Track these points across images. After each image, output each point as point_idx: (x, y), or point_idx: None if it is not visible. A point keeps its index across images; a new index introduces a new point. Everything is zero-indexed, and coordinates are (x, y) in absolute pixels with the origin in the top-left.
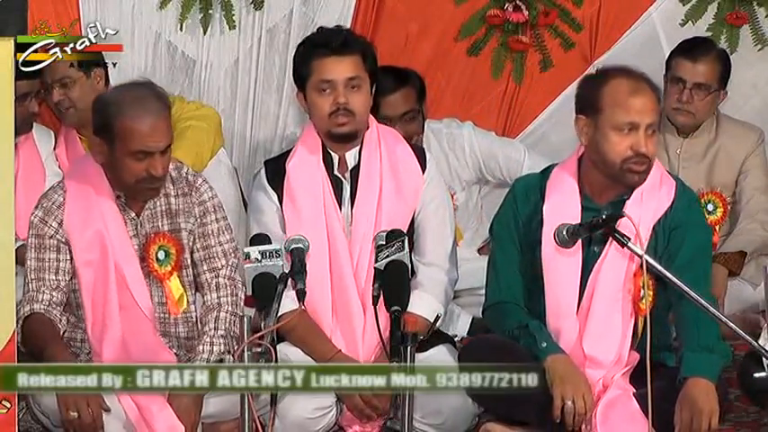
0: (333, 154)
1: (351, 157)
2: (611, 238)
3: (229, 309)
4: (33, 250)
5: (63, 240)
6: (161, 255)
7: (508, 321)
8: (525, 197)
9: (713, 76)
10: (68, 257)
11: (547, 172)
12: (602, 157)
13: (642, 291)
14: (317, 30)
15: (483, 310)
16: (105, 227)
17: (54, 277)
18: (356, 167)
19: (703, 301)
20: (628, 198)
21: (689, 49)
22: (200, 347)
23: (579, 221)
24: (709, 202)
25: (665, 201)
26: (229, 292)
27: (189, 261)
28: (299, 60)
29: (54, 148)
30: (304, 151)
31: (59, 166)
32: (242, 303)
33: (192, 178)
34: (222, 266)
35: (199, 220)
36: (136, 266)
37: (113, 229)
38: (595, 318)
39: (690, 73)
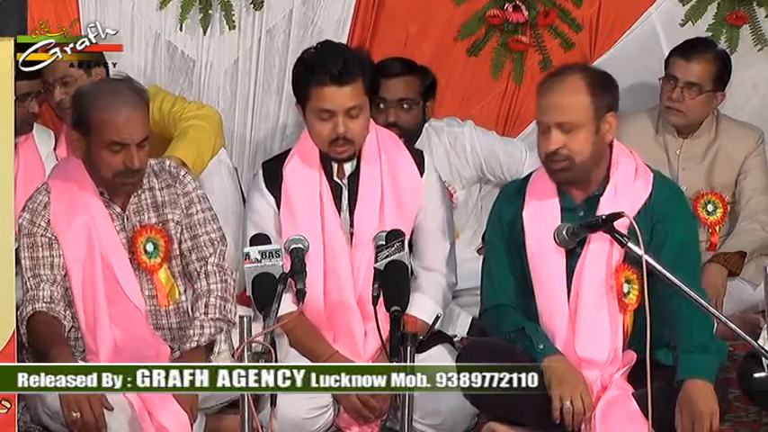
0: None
1: (349, 163)
2: (589, 238)
3: (219, 294)
4: (26, 250)
5: (54, 237)
6: (149, 247)
7: (504, 324)
8: (509, 200)
9: (706, 76)
10: (60, 253)
11: (531, 175)
12: None
13: (627, 286)
14: (316, 48)
15: (479, 314)
16: (92, 222)
17: (50, 272)
18: (354, 173)
19: (702, 301)
20: (601, 195)
21: (685, 48)
22: (191, 331)
23: (559, 221)
24: (708, 202)
25: (642, 194)
26: (219, 278)
27: (177, 252)
28: (298, 80)
29: (54, 148)
30: (302, 156)
31: None
32: (232, 289)
33: (175, 170)
34: (210, 254)
35: (185, 210)
36: (125, 260)
37: (100, 224)
38: (583, 317)
39: (682, 71)
